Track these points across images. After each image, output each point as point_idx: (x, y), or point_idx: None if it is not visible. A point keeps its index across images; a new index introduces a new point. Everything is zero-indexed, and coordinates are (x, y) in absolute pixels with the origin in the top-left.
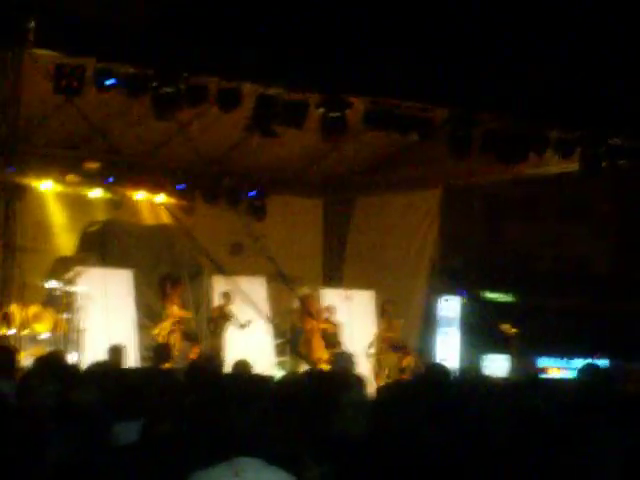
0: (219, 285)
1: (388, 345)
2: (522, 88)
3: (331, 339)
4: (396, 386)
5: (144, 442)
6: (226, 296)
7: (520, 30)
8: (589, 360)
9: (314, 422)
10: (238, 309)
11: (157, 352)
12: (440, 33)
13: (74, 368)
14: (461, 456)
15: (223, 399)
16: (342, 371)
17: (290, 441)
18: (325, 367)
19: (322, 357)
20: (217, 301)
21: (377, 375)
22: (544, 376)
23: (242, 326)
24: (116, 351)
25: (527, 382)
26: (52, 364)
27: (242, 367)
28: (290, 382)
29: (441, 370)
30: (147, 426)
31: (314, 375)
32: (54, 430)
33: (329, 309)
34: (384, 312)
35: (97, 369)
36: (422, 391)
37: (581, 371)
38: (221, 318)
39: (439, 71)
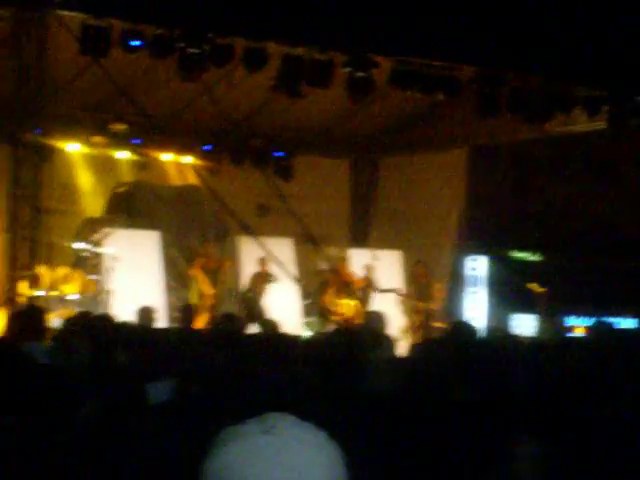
0: (246, 246)
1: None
2: (548, 46)
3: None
4: (424, 344)
5: (177, 401)
6: (262, 261)
7: None
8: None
9: (344, 380)
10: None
11: (184, 313)
12: None
13: (106, 329)
14: (488, 414)
15: (252, 358)
16: (372, 330)
17: (320, 398)
18: (352, 324)
19: (348, 313)
20: (252, 266)
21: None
22: (571, 335)
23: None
24: (146, 312)
25: (555, 341)
26: (84, 324)
27: (270, 326)
28: (319, 341)
29: (467, 328)
30: (180, 386)
31: (343, 333)
32: (88, 390)
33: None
34: (417, 278)
35: (128, 330)
36: (449, 349)
37: (591, 329)
38: (261, 283)
39: (465, 30)
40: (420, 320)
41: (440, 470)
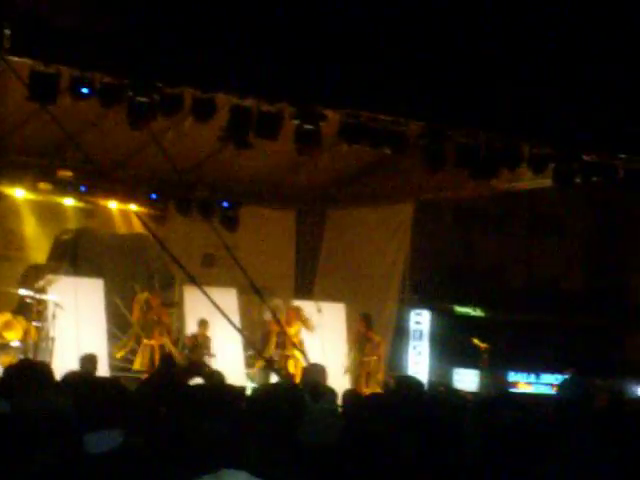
0: (190, 295)
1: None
2: (495, 103)
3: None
4: (368, 397)
5: (121, 452)
6: (202, 324)
7: (493, 45)
8: (567, 375)
9: (286, 432)
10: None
11: (84, 362)
12: (415, 48)
13: (48, 376)
14: (434, 468)
15: (197, 409)
16: (314, 383)
17: (265, 450)
18: (295, 377)
19: (293, 364)
20: (195, 314)
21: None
22: (514, 391)
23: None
24: (89, 360)
25: (499, 397)
26: (25, 373)
27: (216, 378)
28: (263, 393)
29: (413, 382)
30: (125, 436)
31: (285, 386)
32: (32, 438)
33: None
34: (358, 331)
35: (72, 378)
36: (394, 402)
37: (562, 385)
38: (196, 347)
39: (413, 85)
40: (365, 372)
41: None
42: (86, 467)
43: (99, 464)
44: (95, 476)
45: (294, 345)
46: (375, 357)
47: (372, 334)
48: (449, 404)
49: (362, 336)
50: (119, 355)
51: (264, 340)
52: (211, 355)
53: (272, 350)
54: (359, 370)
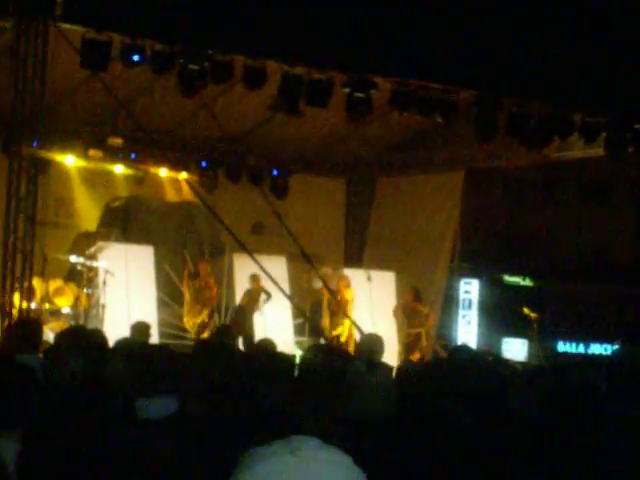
0: (240, 263)
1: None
2: (548, 72)
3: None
4: (420, 368)
5: (177, 419)
6: (254, 278)
7: (545, 14)
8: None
9: (337, 403)
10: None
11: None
12: (467, 15)
13: (101, 343)
14: (485, 438)
15: (249, 377)
16: (369, 353)
17: (318, 421)
18: (345, 343)
19: (344, 332)
20: (244, 282)
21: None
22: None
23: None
24: (142, 328)
25: (550, 366)
26: (78, 338)
27: (267, 345)
28: (315, 363)
29: (465, 352)
30: (180, 404)
31: (337, 355)
32: (80, 404)
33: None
34: (406, 302)
35: (125, 345)
36: (446, 373)
37: (615, 354)
38: (254, 300)
39: (465, 54)
40: (411, 343)
41: None
42: (140, 433)
43: (154, 430)
44: (150, 442)
45: (346, 314)
46: (422, 330)
47: (420, 306)
48: (498, 374)
49: (409, 308)
50: (190, 324)
51: (315, 309)
52: (267, 297)
53: (326, 319)
54: (405, 341)
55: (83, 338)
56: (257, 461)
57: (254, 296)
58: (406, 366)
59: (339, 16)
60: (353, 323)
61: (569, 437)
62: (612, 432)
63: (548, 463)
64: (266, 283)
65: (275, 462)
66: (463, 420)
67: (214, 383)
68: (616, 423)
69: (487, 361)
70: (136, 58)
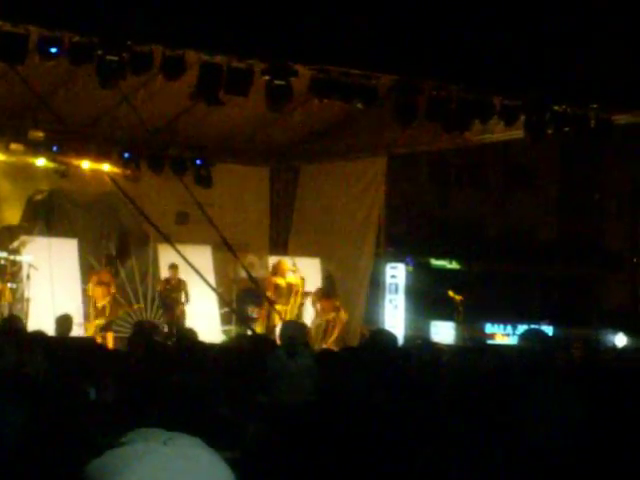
0: (165, 254)
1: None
2: (466, 56)
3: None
4: (343, 352)
5: (92, 407)
6: (172, 267)
7: None
8: (531, 325)
9: (257, 388)
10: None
11: (59, 323)
12: (385, 0)
13: (26, 336)
14: (407, 421)
15: (167, 366)
16: (290, 339)
17: (235, 405)
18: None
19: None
20: (164, 272)
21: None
22: (490, 342)
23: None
24: (65, 320)
25: (474, 348)
26: (9, 329)
27: (188, 334)
28: (232, 349)
29: (387, 336)
30: (97, 393)
31: (256, 340)
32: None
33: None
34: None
35: (42, 337)
36: (368, 357)
37: (522, 336)
38: (169, 290)
39: (384, 39)
40: (330, 321)
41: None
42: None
43: (69, 419)
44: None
45: (269, 300)
46: (335, 314)
47: (326, 302)
48: (424, 356)
49: (323, 296)
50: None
51: (241, 297)
52: (187, 299)
53: (250, 307)
54: (321, 327)
55: (15, 330)
56: (133, 461)
57: (175, 286)
58: (327, 352)
59: (257, 4)
60: (275, 310)
61: (484, 414)
62: (523, 407)
63: (466, 440)
64: (191, 273)
65: (154, 458)
66: (382, 403)
67: (130, 373)
68: (527, 399)
69: (410, 344)
70: (54, 50)
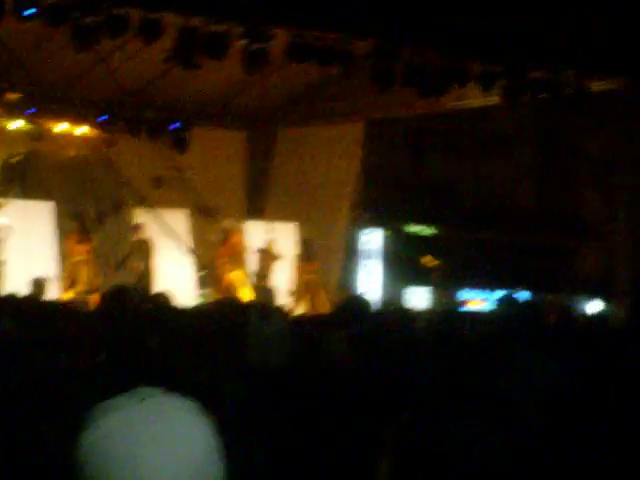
0: (141, 217)
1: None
2: (443, 21)
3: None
4: (316, 317)
5: (67, 374)
6: (136, 227)
7: None
8: (507, 291)
9: (232, 353)
10: (160, 242)
11: (34, 285)
12: None
13: None
14: (382, 387)
15: (141, 331)
16: (261, 303)
17: (208, 371)
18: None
19: (236, 284)
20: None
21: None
22: (465, 308)
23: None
24: (39, 283)
25: (448, 313)
26: None
27: (161, 299)
28: (205, 312)
29: (361, 301)
30: (71, 357)
31: (227, 304)
32: None
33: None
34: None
35: (13, 300)
36: (342, 322)
37: (498, 302)
38: (136, 250)
39: (361, 3)
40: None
41: (325, 448)
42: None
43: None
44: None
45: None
46: (311, 277)
47: (312, 262)
48: (397, 322)
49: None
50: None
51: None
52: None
53: (220, 270)
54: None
55: None
56: (108, 412)
57: (142, 248)
58: (300, 316)
59: None
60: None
61: (464, 381)
62: (501, 373)
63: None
64: (168, 237)
65: (125, 413)
66: (357, 367)
67: (105, 339)
68: (505, 365)
69: (384, 310)
70: (30, 11)
